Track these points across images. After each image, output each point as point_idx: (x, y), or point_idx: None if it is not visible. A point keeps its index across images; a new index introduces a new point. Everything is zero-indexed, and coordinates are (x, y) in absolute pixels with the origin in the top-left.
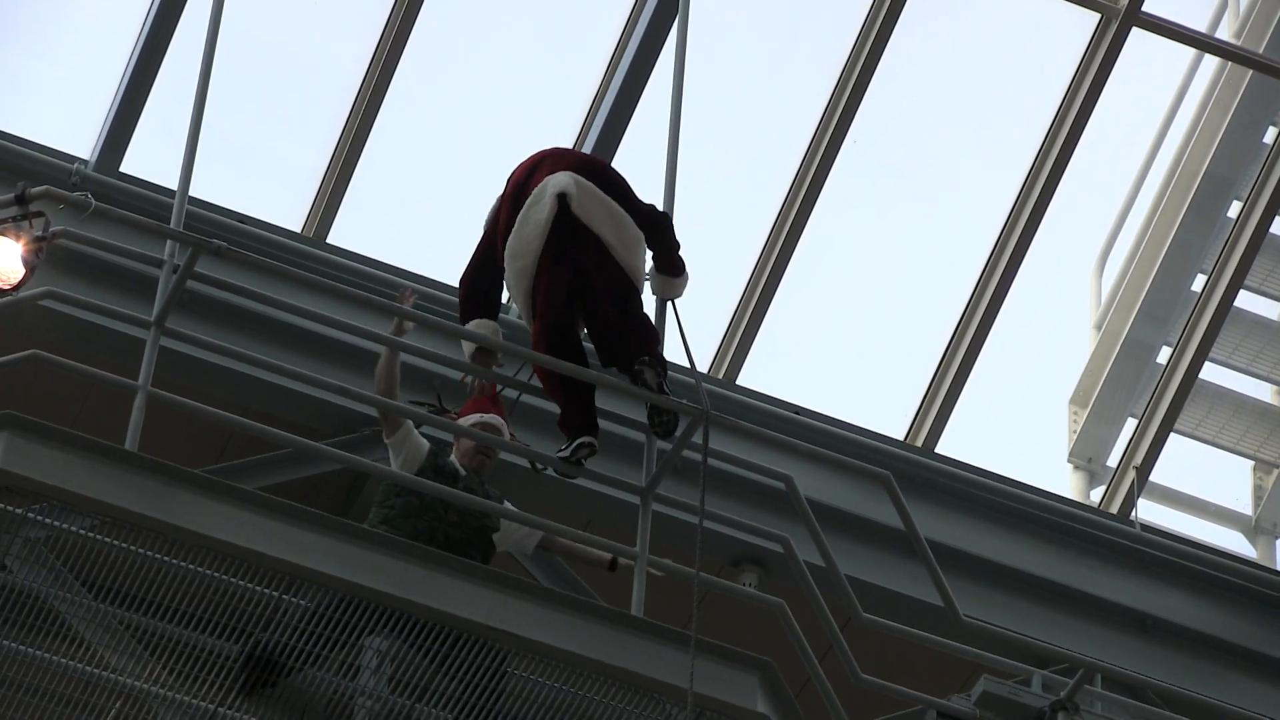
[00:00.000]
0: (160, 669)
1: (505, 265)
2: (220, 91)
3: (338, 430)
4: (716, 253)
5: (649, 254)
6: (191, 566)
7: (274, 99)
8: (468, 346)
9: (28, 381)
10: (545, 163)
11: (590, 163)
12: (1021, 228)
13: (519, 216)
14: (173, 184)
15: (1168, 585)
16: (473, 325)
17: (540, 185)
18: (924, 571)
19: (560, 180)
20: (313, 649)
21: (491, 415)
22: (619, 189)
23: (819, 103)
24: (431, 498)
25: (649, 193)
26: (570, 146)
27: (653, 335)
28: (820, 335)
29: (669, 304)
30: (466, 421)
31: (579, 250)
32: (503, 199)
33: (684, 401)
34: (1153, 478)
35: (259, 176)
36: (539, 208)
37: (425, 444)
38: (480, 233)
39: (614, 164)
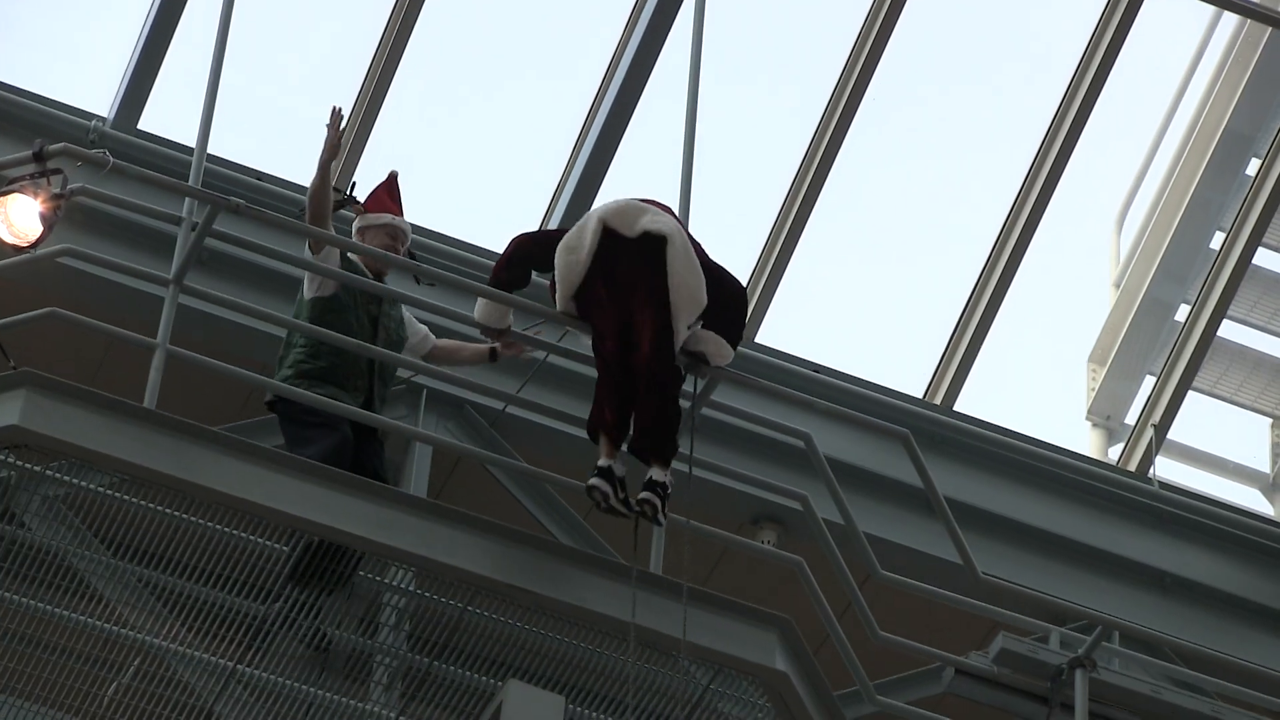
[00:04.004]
0: (179, 626)
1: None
2: (238, 48)
3: None
4: (736, 210)
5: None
6: (210, 524)
7: (292, 56)
8: (483, 308)
9: (46, 339)
10: (642, 202)
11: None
12: (1041, 184)
13: (586, 215)
14: (191, 141)
15: (1186, 542)
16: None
17: (632, 202)
18: (942, 529)
19: (657, 221)
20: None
21: (401, 219)
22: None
23: (839, 59)
24: (359, 317)
25: (669, 148)
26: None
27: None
28: (839, 293)
29: None
30: (380, 218)
31: (639, 286)
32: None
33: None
34: (1171, 435)
35: (278, 134)
36: (614, 213)
37: (336, 252)
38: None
39: (632, 120)
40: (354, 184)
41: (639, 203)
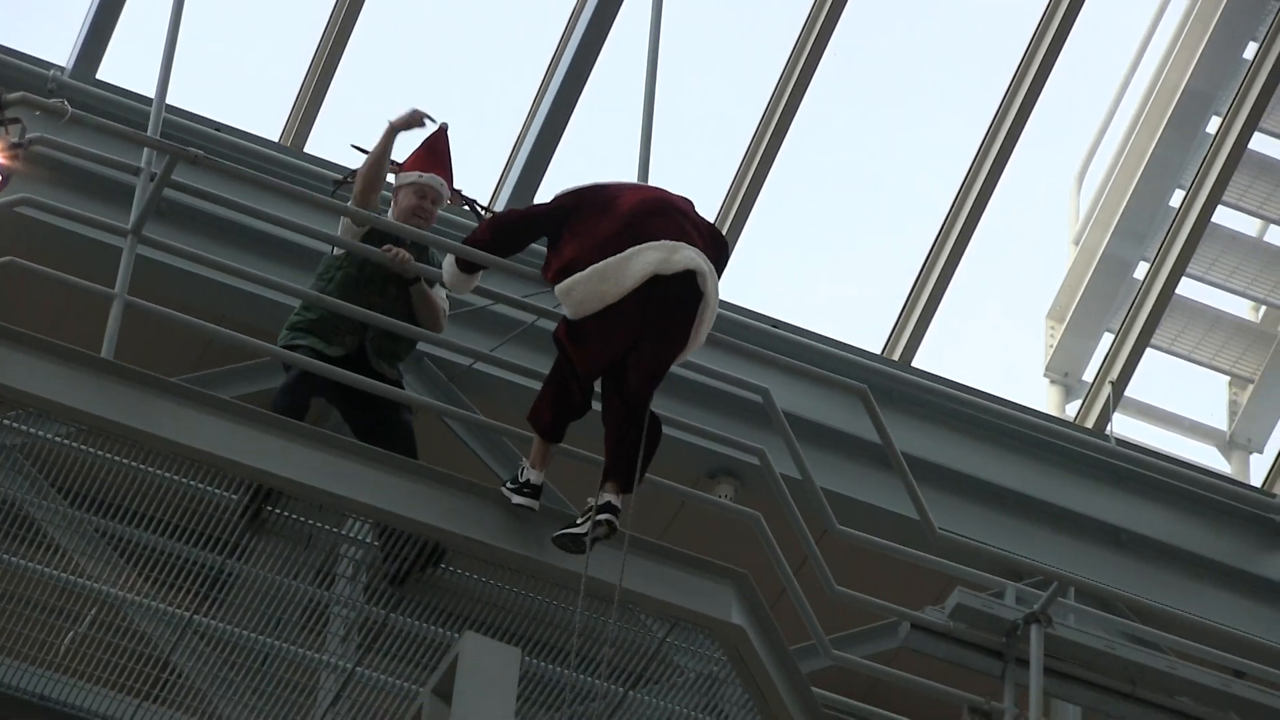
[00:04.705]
0: (135, 576)
1: (586, 273)
2: None
3: None
4: (695, 166)
5: None
6: (168, 474)
7: (252, 6)
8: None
9: (4, 289)
10: (675, 213)
11: (717, 244)
12: (1001, 142)
13: (633, 250)
14: (150, 91)
15: (1142, 499)
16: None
17: (675, 244)
18: (900, 485)
19: (694, 259)
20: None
21: (431, 175)
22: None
23: (799, 15)
24: (370, 272)
25: (629, 104)
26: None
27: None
28: (798, 248)
29: None
30: (409, 177)
31: (668, 314)
32: (592, 199)
33: None
34: (1128, 392)
35: (237, 84)
36: (663, 262)
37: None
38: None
39: (592, 76)
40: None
41: (681, 244)
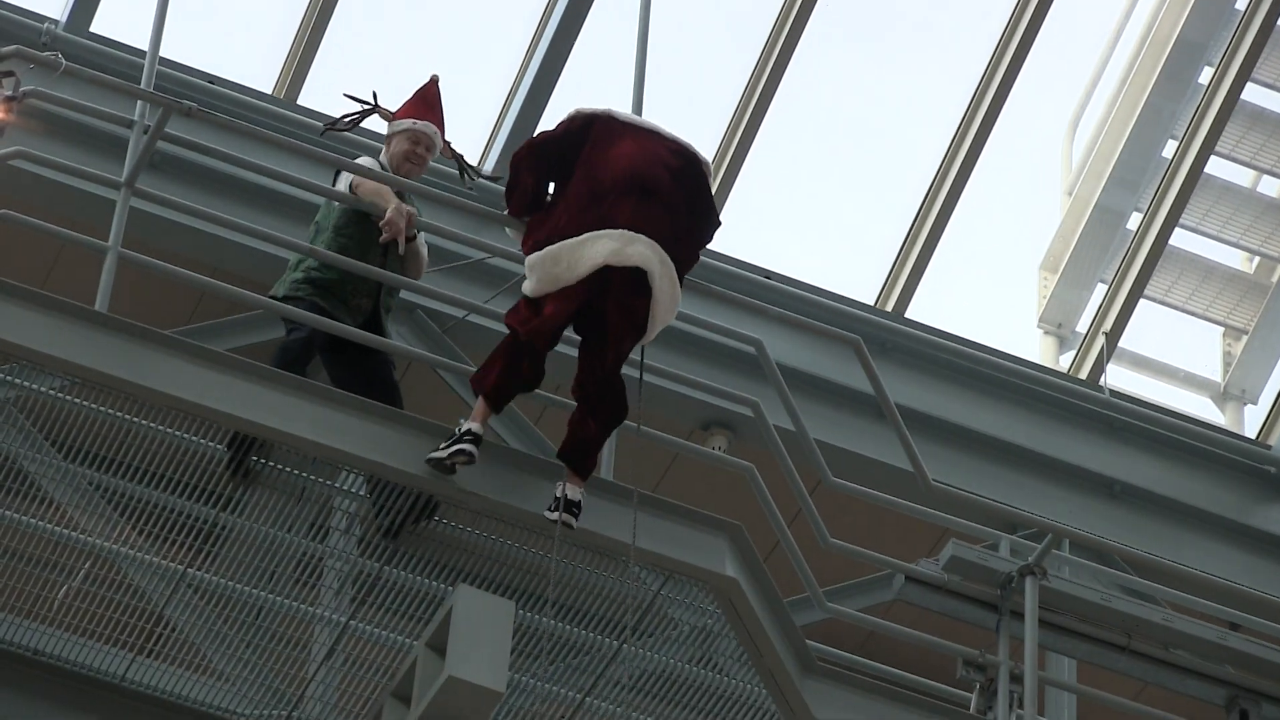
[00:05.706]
0: (130, 530)
1: (544, 246)
2: None
3: None
4: (688, 115)
5: None
6: (162, 428)
7: None
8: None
9: None
10: (645, 194)
11: (699, 219)
12: (993, 92)
13: (590, 235)
14: (143, 44)
15: (1136, 450)
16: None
17: (631, 235)
18: (893, 436)
19: (646, 256)
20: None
21: (425, 123)
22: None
23: None
24: (378, 233)
25: (622, 54)
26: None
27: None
28: (792, 199)
29: None
30: (403, 123)
31: (623, 299)
32: (591, 130)
33: None
34: (1122, 343)
35: (230, 37)
36: (615, 253)
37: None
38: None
39: (587, 22)
40: (375, 94)
41: (638, 237)
